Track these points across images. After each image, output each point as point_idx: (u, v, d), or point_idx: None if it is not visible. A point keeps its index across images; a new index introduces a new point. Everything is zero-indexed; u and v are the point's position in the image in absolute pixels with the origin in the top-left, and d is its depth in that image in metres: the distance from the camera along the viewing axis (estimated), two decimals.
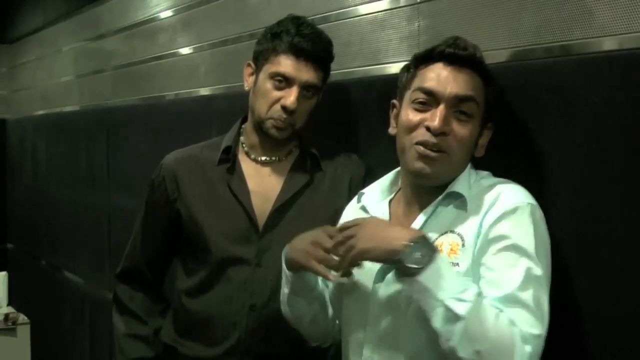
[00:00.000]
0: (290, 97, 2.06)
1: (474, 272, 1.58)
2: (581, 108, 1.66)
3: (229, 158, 2.17)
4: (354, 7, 2.37)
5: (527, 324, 1.47)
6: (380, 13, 2.26)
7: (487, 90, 1.70)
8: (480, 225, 1.60)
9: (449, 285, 1.47)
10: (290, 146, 2.19)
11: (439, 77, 1.67)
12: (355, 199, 1.92)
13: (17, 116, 6.28)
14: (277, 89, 2.08)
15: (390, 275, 1.67)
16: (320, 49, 2.10)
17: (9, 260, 6.30)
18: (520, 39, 1.81)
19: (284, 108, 2.06)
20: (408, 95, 1.72)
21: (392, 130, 1.78)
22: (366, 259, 1.58)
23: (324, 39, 2.13)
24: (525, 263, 1.53)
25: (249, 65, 2.19)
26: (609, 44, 1.61)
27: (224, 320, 2.10)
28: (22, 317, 5.54)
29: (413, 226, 1.69)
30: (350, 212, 1.93)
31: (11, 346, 5.41)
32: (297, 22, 2.11)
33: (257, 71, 2.15)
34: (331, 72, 2.20)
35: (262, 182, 2.16)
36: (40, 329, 5.37)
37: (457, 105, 1.66)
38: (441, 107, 1.65)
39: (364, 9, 2.33)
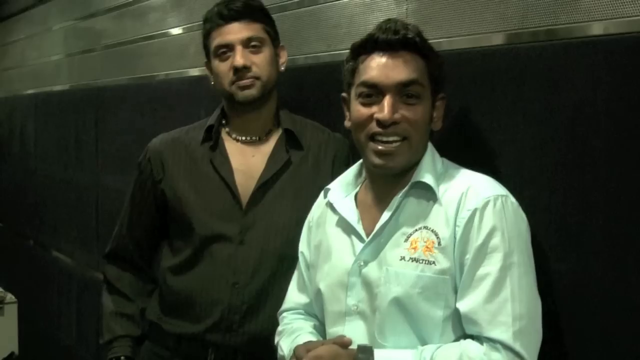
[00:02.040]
0: (236, 56, 2.10)
1: (454, 275, 1.59)
2: (566, 92, 1.66)
3: (212, 136, 2.19)
4: None
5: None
6: None
7: (429, 66, 1.69)
8: (455, 226, 1.60)
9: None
10: (269, 123, 2.20)
11: (378, 67, 1.66)
12: (321, 194, 1.92)
13: (6, 95, 6.24)
14: (224, 61, 2.13)
15: (365, 270, 1.69)
16: (242, 5, 2.14)
17: None
18: (507, 23, 1.81)
19: (235, 70, 2.10)
20: (354, 90, 1.72)
21: (347, 124, 1.78)
22: None
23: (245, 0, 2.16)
24: (498, 264, 1.55)
25: (206, 64, 2.25)
26: (594, 29, 1.61)
27: (207, 297, 2.11)
28: (10, 297, 5.48)
29: (380, 221, 1.69)
30: (317, 210, 1.93)
31: None
32: (218, 3, 2.18)
33: (209, 62, 2.21)
34: (320, 54, 2.20)
35: (246, 161, 2.17)
36: (28, 308, 5.35)
37: (402, 90, 1.65)
38: (387, 97, 1.65)
39: None
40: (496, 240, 1.55)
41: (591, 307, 1.62)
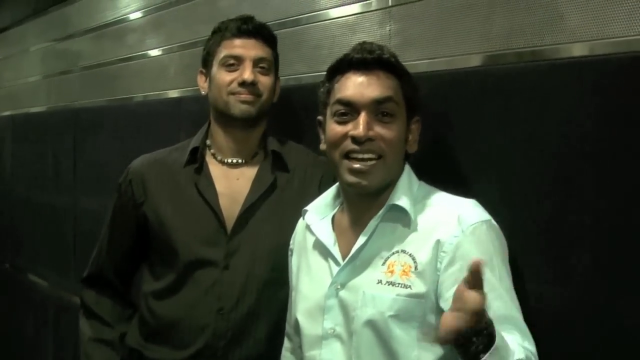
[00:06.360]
0: (246, 71, 2.10)
1: (431, 299, 1.57)
2: (552, 114, 1.66)
3: (197, 159, 2.15)
4: (325, 10, 2.36)
5: (526, 342, 1.47)
6: (351, 16, 2.25)
7: (403, 86, 1.70)
8: (437, 251, 1.58)
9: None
10: (255, 146, 2.18)
11: (354, 85, 1.68)
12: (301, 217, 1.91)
13: None
14: (230, 72, 2.12)
15: (342, 293, 1.67)
16: (260, 27, 2.18)
17: None
18: (491, 44, 1.81)
19: (242, 83, 2.09)
20: (329, 110, 1.73)
21: (322, 147, 1.78)
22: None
23: (262, 23, 2.20)
24: (498, 285, 1.52)
25: (201, 72, 2.23)
26: (580, 50, 1.61)
27: (192, 323, 2.07)
28: None
29: (356, 244, 1.68)
30: (297, 233, 1.93)
31: None
32: (236, 18, 2.19)
33: (208, 70, 2.19)
34: (302, 76, 2.18)
35: (230, 184, 2.14)
36: (3, 332, 5.29)
37: (377, 108, 1.67)
38: (362, 114, 1.66)
39: (335, 12, 2.32)
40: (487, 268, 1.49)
41: (578, 332, 1.61)
